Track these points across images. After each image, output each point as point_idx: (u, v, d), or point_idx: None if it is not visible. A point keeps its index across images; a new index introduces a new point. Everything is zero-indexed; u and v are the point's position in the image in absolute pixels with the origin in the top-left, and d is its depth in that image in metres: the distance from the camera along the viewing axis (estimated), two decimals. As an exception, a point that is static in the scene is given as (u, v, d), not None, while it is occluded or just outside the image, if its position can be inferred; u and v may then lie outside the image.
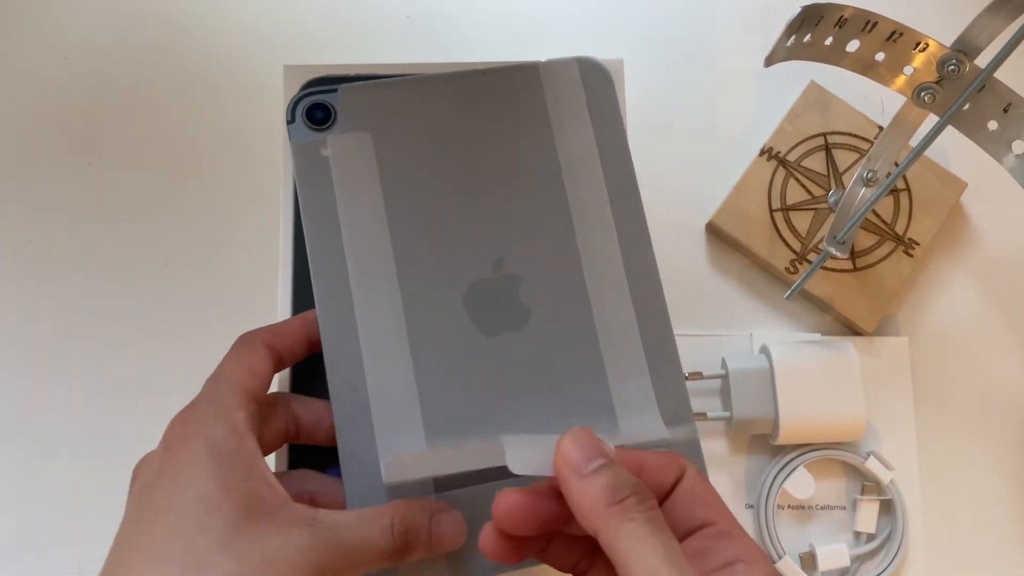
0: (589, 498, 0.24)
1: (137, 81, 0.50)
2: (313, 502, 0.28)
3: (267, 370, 0.30)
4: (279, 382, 0.34)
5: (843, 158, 0.48)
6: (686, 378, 0.44)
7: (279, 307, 0.36)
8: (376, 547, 0.27)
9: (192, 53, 0.51)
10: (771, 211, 0.47)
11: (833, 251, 0.42)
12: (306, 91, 0.33)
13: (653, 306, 0.33)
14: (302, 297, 0.35)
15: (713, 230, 0.48)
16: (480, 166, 0.34)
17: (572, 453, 0.25)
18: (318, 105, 0.33)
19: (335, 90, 0.33)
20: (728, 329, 0.47)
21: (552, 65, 0.35)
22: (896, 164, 0.44)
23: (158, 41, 0.51)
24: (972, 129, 0.41)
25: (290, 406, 0.31)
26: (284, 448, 0.34)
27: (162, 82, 0.50)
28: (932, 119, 0.41)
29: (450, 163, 0.33)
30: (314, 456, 0.33)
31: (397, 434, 0.31)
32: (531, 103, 0.35)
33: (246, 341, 0.30)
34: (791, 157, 0.48)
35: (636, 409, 0.32)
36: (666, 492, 0.27)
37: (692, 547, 0.26)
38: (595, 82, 0.35)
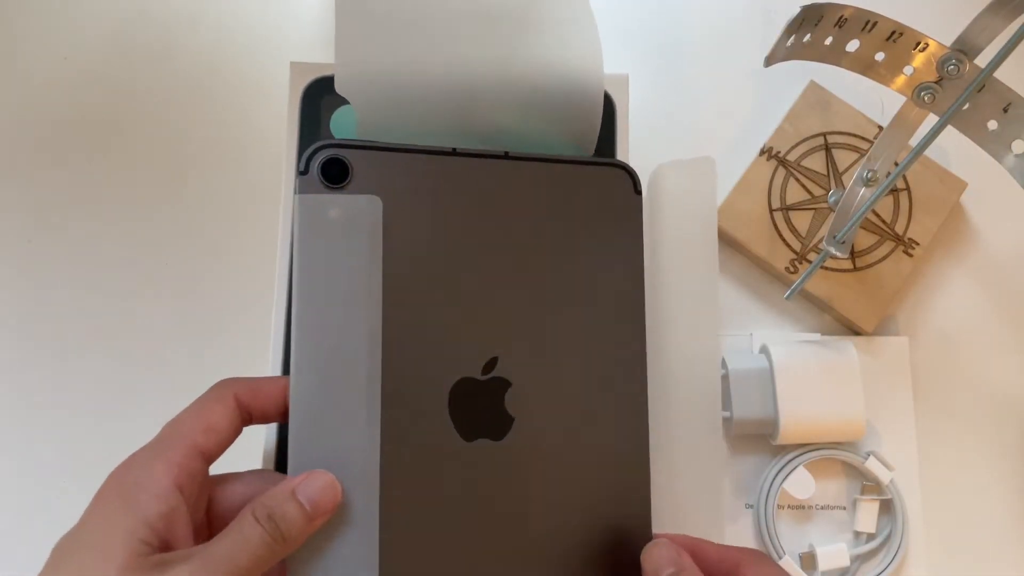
0: None
1: (137, 81, 0.50)
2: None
3: (228, 427, 0.29)
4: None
5: (843, 158, 0.48)
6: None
7: (272, 321, 0.36)
8: (253, 542, 0.26)
9: (192, 53, 0.51)
10: (771, 211, 0.47)
11: (833, 251, 0.42)
12: (324, 144, 0.30)
13: (634, 438, 0.32)
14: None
15: (713, 230, 0.48)
16: (493, 259, 0.32)
17: (649, 566, 0.30)
18: (336, 161, 0.30)
19: (356, 146, 0.31)
20: (728, 329, 0.47)
21: (586, 170, 0.33)
22: (896, 164, 0.44)
23: (158, 41, 0.51)
24: (972, 129, 0.41)
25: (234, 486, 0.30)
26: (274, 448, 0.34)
27: (162, 82, 0.50)
28: (932, 119, 0.41)
29: (463, 250, 0.31)
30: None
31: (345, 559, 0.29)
32: (560, 204, 0.33)
33: (217, 392, 0.29)
34: (791, 157, 0.48)
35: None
36: None
37: None
38: (623, 193, 0.33)
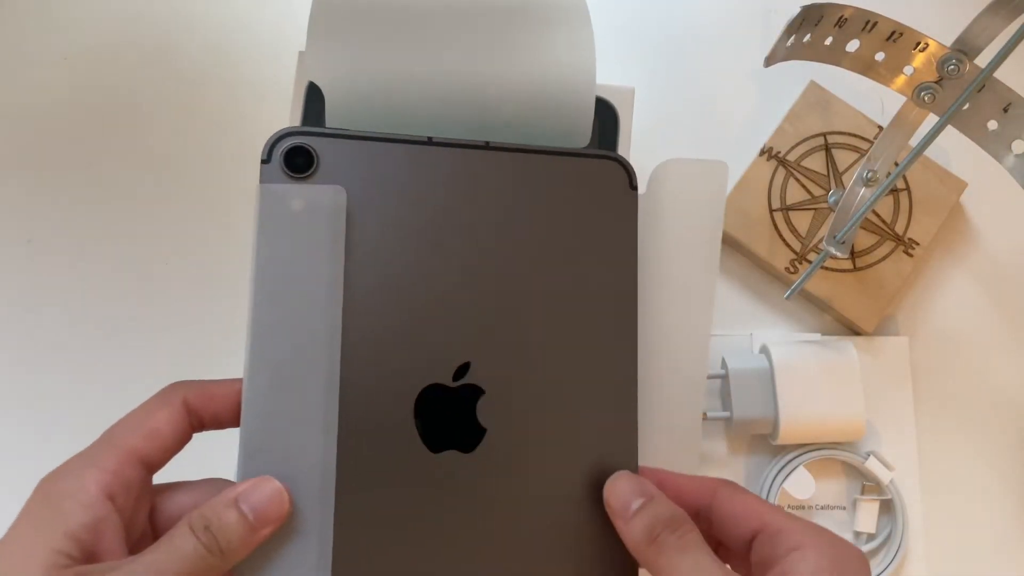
0: (634, 541, 0.27)
1: (137, 80, 0.50)
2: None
3: (173, 432, 0.27)
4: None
5: (843, 158, 0.48)
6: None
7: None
8: (184, 555, 0.25)
9: (192, 53, 0.51)
10: (771, 211, 0.47)
11: (833, 251, 0.42)
12: (289, 131, 0.28)
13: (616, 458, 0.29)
14: None
15: (713, 230, 0.48)
16: (470, 257, 0.29)
17: (614, 502, 0.28)
18: (300, 149, 0.28)
19: (324, 134, 0.29)
20: (728, 329, 0.47)
21: (571, 161, 0.31)
22: (896, 164, 0.44)
23: (158, 40, 0.51)
24: (972, 129, 0.41)
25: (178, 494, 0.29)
26: None
27: (162, 82, 0.50)
28: (932, 119, 0.41)
29: (436, 247, 0.29)
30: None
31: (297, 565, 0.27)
32: (546, 199, 0.30)
33: (164, 396, 0.28)
34: (791, 157, 0.48)
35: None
36: (706, 512, 0.29)
37: (756, 559, 0.27)
38: (616, 188, 0.31)
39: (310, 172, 0.28)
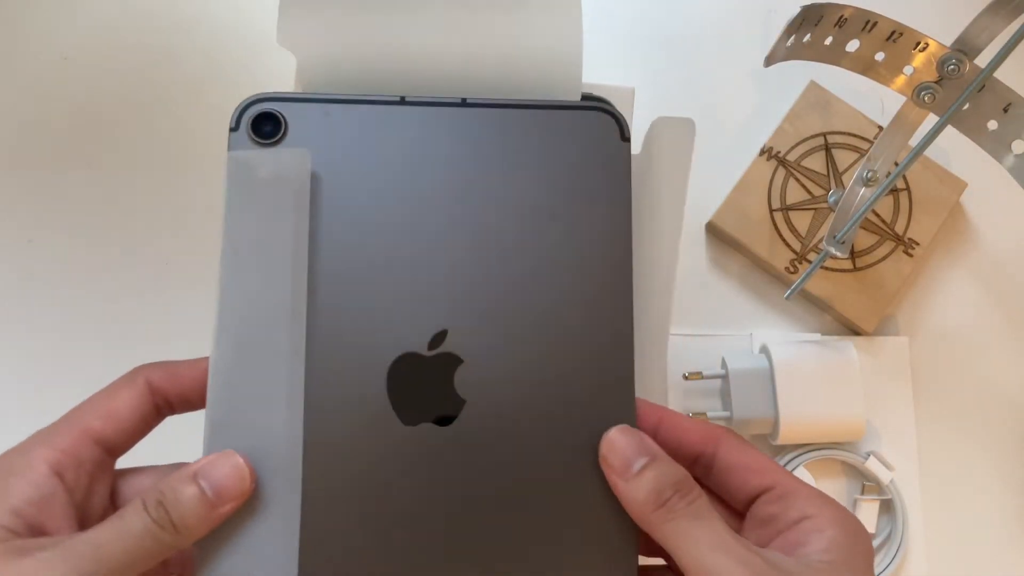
0: (637, 503, 0.25)
1: (138, 80, 0.50)
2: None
3: (134, 413, 0.27)
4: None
5: (843, 158, 0.48)
6: (686, 378, 0.45)
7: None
8: (133, 531, 0.24)
9: (193, 52, 0.51)
10: (771, 211, 0.47)
11: (833, 251, 0.42)
12: (258, 97, 0.28)
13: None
14: None
15: (713, 230, 0.48)
16: (448, 220, 0.28)
17: (615, 458, 0.26)
18: (268, 116, 0.28)
19: (292, 98, 0.28)
20: (728, 329, 0.47)
21: (554, 115, 0.29)
22: (896, 164, 0.44)
23: (158, 40, 0.51)
24: (972, 129, 0.41)
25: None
26: None
27: (162, 81, 0.50)
28: (932, 119, 0.41)
29: (412, 210, 0.28)
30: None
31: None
32: (529, 155, 0.29)
33: (128, 377, 0.28)
34: (791, 157, 0.48)
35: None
36: (706, 461, 0.27)
37: (758, 516, 0.26)
38: (606, 140, 0.29)
39: (278, 138, 0.28)
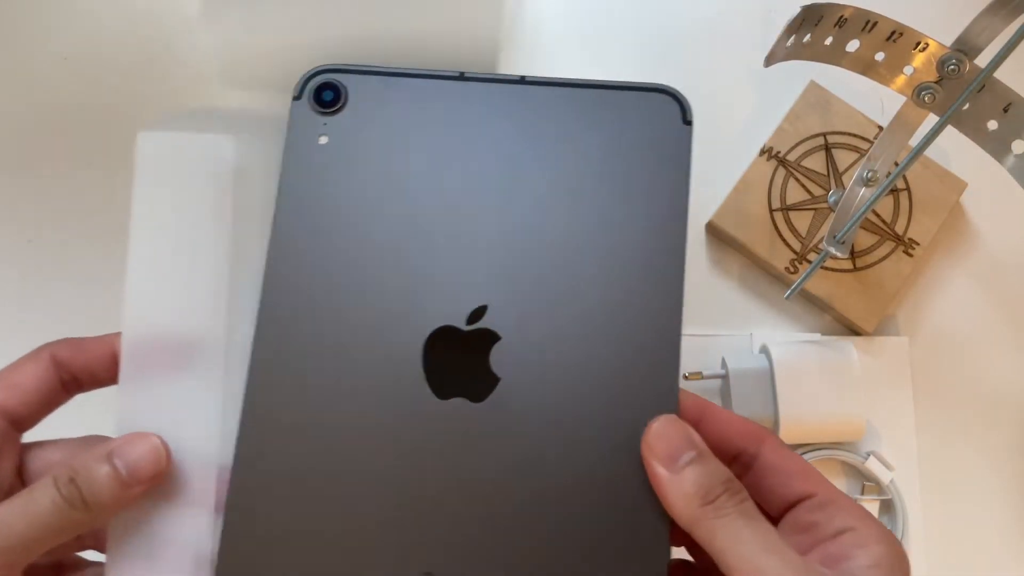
0: (683, 497, 0.25)
1: (138, 81, 0.50)
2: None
3: (37, 386, 0.27)
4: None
5: (843, 158, 0.48)
6: (686, 378, 0.45)
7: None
8: (40, 507, 0.24)
9: (193, 51, 0.51)
10: (771, 211, 0.47)
11: (833, 251, 0.42)
12: (322, 68, 0.29)
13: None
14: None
15: (713, 230, 0.48)
16: (501, 197, 0.28)
17: (663, 448, 0.25)
18: (329, 85, 0.29)
19: (356, 70, 0.29)
20: (728, 329, 0.47)
21: (614, 95, 0.29)
22: (896, 164, 0.44)
23: (159, 40, 0.51)
24: (972, 129, 0.41)
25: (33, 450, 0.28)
26: None
27: (162, 81, 0.50)
28: (932, 119, 0.41)
29: (464, 185, 0.28)
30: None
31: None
32: (585, 136, 0.29)
33: (34, 351, 0.27)
34: (791, 157, 0.48)
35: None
36: (747, 460, 0.27)
37: (796, 522, 0.26)
38: (668, 123, 0.29)
39: (338, 107, 0.29)
